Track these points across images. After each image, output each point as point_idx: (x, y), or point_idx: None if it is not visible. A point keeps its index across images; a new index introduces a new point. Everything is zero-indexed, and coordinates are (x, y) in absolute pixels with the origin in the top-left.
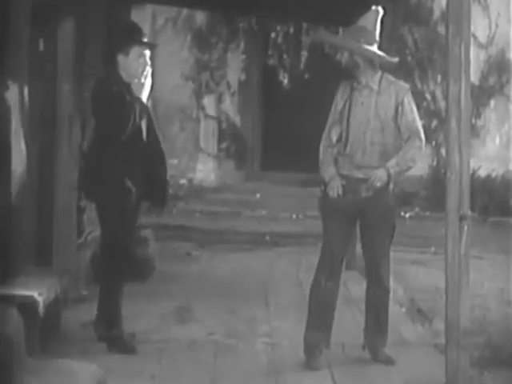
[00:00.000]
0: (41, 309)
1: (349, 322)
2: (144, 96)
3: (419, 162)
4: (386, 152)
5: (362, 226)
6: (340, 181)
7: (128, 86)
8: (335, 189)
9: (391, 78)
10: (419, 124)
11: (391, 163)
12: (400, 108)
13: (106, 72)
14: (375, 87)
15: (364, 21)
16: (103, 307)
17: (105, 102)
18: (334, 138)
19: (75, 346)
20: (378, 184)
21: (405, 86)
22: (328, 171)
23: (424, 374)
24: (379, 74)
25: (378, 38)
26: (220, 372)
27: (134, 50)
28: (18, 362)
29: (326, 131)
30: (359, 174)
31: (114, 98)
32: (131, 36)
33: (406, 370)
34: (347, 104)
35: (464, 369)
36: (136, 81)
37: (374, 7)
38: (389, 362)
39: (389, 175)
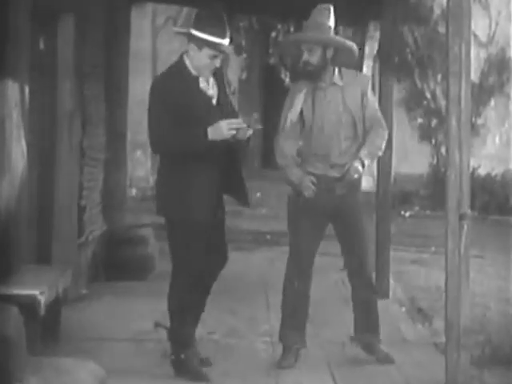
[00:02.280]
0: (41, 308)
1: (348, 321)
2: (212, 91)
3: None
4: (359, 145)
5: (338, 226)
6: (310, 178)
7: (195, 78)
8: (309, 188)
9: (348, 70)
10: (380, 113)
11: (364, 153)
12: (365, 98)
13: (172, 63)
14: (339, 83)
15: (321, 16)
16: (173, 325)
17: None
18: (299, 142)
19: (75, 345)
20: (356, 176)
21: (366, 76)
22: (294, 174)
23: (424, 373)
24: (337, 69)
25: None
26: (220, 371)
27: (209, 49)
28: (18, 361)
29: (284, 135)
30: (334, 173)
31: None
32: (218, 34)
33: (406, 369)
34: (311, 105)
35: (464, 368)
36: (202, 78)
37: (324, 5)
38: (388, 360)
39: (363, 165)
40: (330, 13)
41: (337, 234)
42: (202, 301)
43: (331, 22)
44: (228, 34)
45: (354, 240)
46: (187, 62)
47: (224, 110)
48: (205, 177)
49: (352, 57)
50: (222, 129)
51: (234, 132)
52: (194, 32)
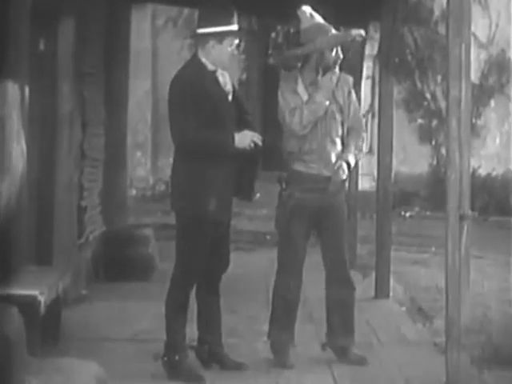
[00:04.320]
0: (41, 308)
1: None
2: (229, 87)
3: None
4: (343, 145)
5: (325, 225)
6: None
7: (213, 74)
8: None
9: (333, 71)
10: (360, 113)
11: (350, 155)
12: (349, 98)
13: (188, 60)
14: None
15: (314, 18)
16: (167, 328)
17: (183, 98)
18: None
19: (75, 345)
20: (344, 176)
21: (349, 76)
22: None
23: (425, 372)
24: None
25: None
26: (220, 371)
27: (229, 38)
28: (18, 362)
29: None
30: (327, 172)
31: (194, 91)
32: (227, 21)
33: (406, 369)
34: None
35: (464, 367)
36: (220, 71)
37: (305, 7)
38: (362, 362)
39: (349, 167)
40: (311, 13)
41: (320, 233)
42: (214, 304)
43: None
44: (235, 19)
45: (338, 239)
46: (203, 59)
47: (238, 107)
48: (221, 177)
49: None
50: (247, 138)
51: (252, 145)
52: (202, 30)
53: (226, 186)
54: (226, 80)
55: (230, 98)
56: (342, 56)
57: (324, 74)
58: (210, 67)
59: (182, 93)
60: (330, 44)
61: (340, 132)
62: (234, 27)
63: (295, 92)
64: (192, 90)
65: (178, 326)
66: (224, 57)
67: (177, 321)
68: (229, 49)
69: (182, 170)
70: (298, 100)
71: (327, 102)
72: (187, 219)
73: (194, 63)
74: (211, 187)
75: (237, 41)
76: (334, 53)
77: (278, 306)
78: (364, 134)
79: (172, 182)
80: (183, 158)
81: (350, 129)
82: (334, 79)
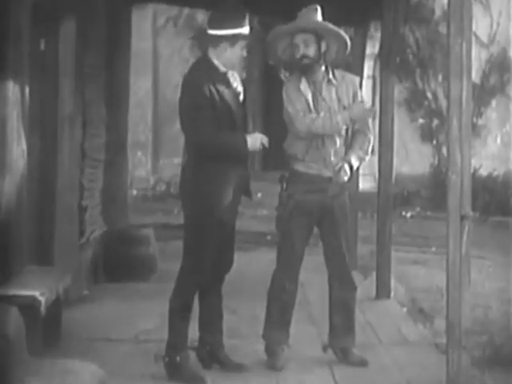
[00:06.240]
0: (42, 309)
1: None
2: (239, 88)
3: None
4: (347, 146)
5: (325, 226)
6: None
7: (225, 75)
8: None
9: (338, 71)
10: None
11: (354, 157)
12: (354, 99)
13: (198, 60)
14: (334, 81)
15: (310, 15)
16: (169, 328)
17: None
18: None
19: (76, 346)
20: (345, 178)
21: (355, 77)
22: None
23: (425, 373)
24: (329, 67)
25: None
26: (221, 372)
27: (241, 40)
28: (18, 362)
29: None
30: (328, 173)
31: (205, 96)
32: (240, 24)
33: (407, 370)
34: (312, 97)
35: (465, 368)
36: (231, 72)
37: (311, 6)
38: (362, 363)
39: (351, 169)
40: (317, 12)
41: (322, 234)
42: (216, 305)
43: (320, 20)
44: (247, 21)
45: (339, 240)
46: (215, 60)
47: (248, 108)
48: (229, 178)
49: (343, 53)
50: (258, 141)
51: (261, 147)
52: (214, 32)
53: (233, 187)
54: (237, 81)
55: (240, 98)
56: (347, 53)
57: (328, 72)
58: (222, 68)
59: (196, 93)
60: (307, 26)
61: (343, 132)
62: (246, 30)
63: (299, 90)
64: (206, 91)
65: (181, 326)
66: (235, 59)
67: (180, 321)
68: (240, 51)
69: (193, 170)
70: (302, 99)
71: (344, 127)
72: (196, 220)
73: (206, 64)
74: (220, 188)
75: (246, 42)
76: (335, 50)
77: (273, 306)
78: (371, 136)
79: (181, 181)
80: (195, 158)
81: (355, 130)
82: (335, 83)
